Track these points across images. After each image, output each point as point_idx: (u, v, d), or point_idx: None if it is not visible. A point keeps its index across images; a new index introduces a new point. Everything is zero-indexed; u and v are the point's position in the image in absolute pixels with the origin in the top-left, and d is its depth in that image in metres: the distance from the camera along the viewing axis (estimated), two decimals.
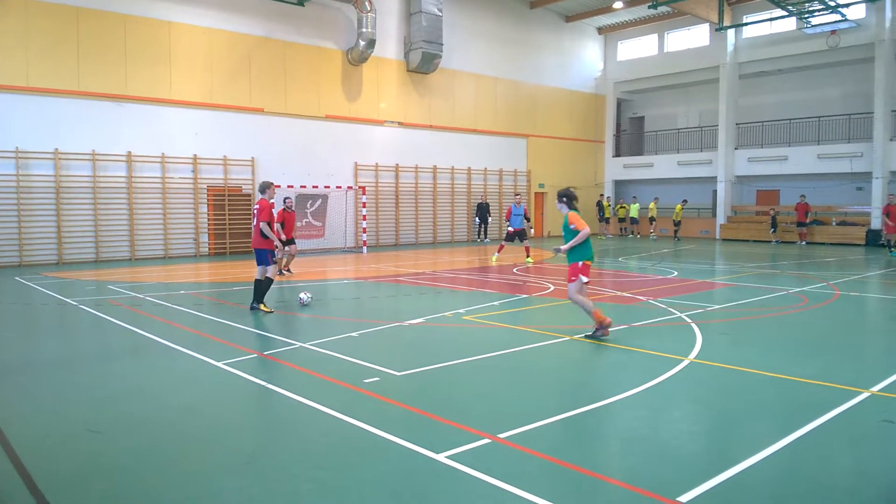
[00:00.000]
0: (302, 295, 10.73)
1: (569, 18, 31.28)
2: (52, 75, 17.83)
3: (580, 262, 8.01)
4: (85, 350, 8.18)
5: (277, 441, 4.90)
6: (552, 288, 12.90)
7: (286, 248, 14.46)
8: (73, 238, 18.46)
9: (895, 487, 4.22)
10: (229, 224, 21.07)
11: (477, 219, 27.31)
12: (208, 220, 20.75)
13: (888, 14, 24.41)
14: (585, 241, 7.95)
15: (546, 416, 5.26)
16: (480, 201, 27.36)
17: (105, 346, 8.35)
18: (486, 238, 27.40)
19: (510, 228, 18.29)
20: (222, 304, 11.30)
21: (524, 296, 11.98)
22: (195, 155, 20.22)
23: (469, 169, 27.67)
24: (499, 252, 18.67)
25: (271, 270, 10.21)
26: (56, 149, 17.94)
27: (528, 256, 18.06)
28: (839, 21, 24.99)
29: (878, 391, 5.98)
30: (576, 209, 8.10)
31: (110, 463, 4.47)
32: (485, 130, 28.24)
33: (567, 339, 8.26)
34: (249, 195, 21.36)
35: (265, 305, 10.14)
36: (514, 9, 29.25)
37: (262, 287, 10.13)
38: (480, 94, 28.07)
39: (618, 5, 28.83)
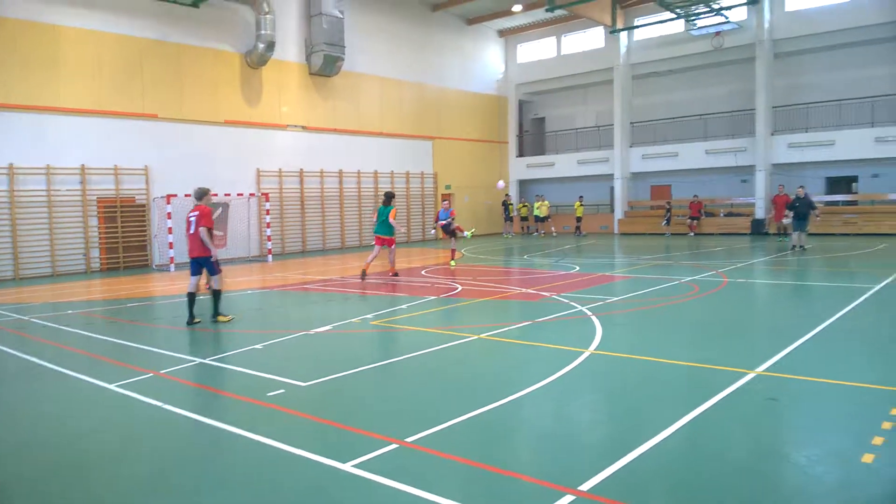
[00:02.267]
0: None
1: (470, 21, 31.71)
2: None
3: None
4: None
5: (177, 464, 4.68)
6: (460, 288, 13.03)
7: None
8: None
9: (782, 462, 4.51)
10: (122, 237, 20.01)
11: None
12: (99, 233, 19.63)
13: (766, 16, 26.19)
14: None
15: (453, 417, 5.29)
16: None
17: None
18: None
19: (438, 224, 18.12)
20: (116, 323, 10.71)
21: (432, 297, 12.02)
22: (83, 165, 19.07)
23: (376, 172, 27.53)
24: (453, 257, 18.32)
25: (217, 280, 9.97)
26: None
27: (452, 259, 17.95)
28: (723, 23, 26.59)
29: (763, 371, 6.39)
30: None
31: None
32: (390, 133, 28.18)
33: (474, 338, 8.36)
34: (143, 206, 20.36)
35: (223, 315, 10.03)
36: (417, 12, 29.36)
37: (215, 298, 10.04)
38: (385, 97, 28.00)
39: (516, 8, 29.48)
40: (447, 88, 30.91)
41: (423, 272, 16.41)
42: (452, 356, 7.58)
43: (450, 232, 17.78)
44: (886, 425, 4.88)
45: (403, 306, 11.04)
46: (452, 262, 17.61)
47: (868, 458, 4.33)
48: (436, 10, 29.82)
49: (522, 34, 33.50)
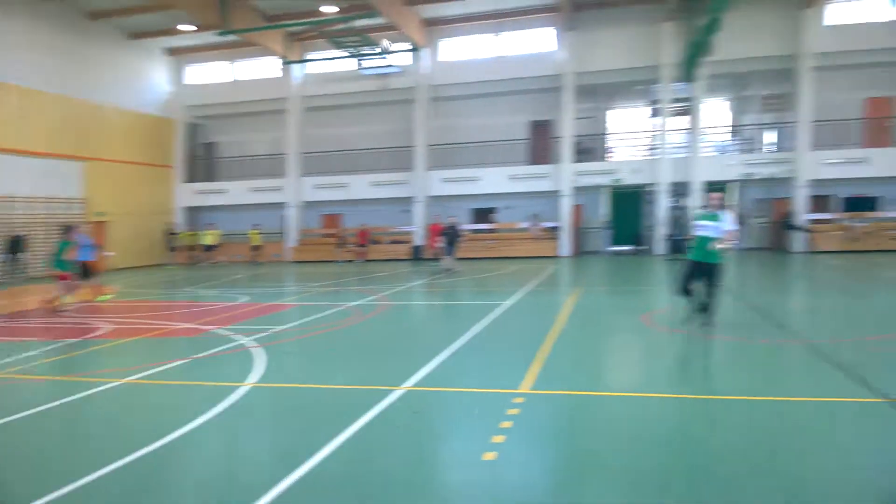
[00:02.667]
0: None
1: (134, 36, 29.14)
2: None
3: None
4: None
5: None
6: (109, 328, 11.66)
7: None
8: None
9: (425, 469, 4.91)
10: None
11: (8, 255, 23.07)
12: None
13: (424, 63, 29.01)
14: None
15: (81, 477, 4.65)
16: (15, 234, 23.24)
17: None
18: (11, 278, 23.02)
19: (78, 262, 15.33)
20: None
21: (71, 340, 10.54)
22: None
23: (8, 196, 23.41)
24: (102, 292, 15.80)
25: None
26: None
27: (100, 294, 15.68)
28: (387, 66, 28.72)
29: (411, 387, 6.90)
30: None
31: None
32: (28, 151, 24.22)
33: (119, 383, 7.53)
34: None
35: None
36: (71, 19, 25.95)
37: None
38: (25, 110, 24.01)
39: (184, 28, 27.98)
40: (104, 105, 27.84)
41: (62, 311, 14.22)
42: (89, 406, 6.71)
43: (83, 267, 15.29)
44: (505, 424, 5.61)
45: (34, 352, 9.47)
46: (102, 297, 15.62)
47: (490, 455, 4.91)
48: (94, 19, 26.81)
49: (193, 55, 31.93)
